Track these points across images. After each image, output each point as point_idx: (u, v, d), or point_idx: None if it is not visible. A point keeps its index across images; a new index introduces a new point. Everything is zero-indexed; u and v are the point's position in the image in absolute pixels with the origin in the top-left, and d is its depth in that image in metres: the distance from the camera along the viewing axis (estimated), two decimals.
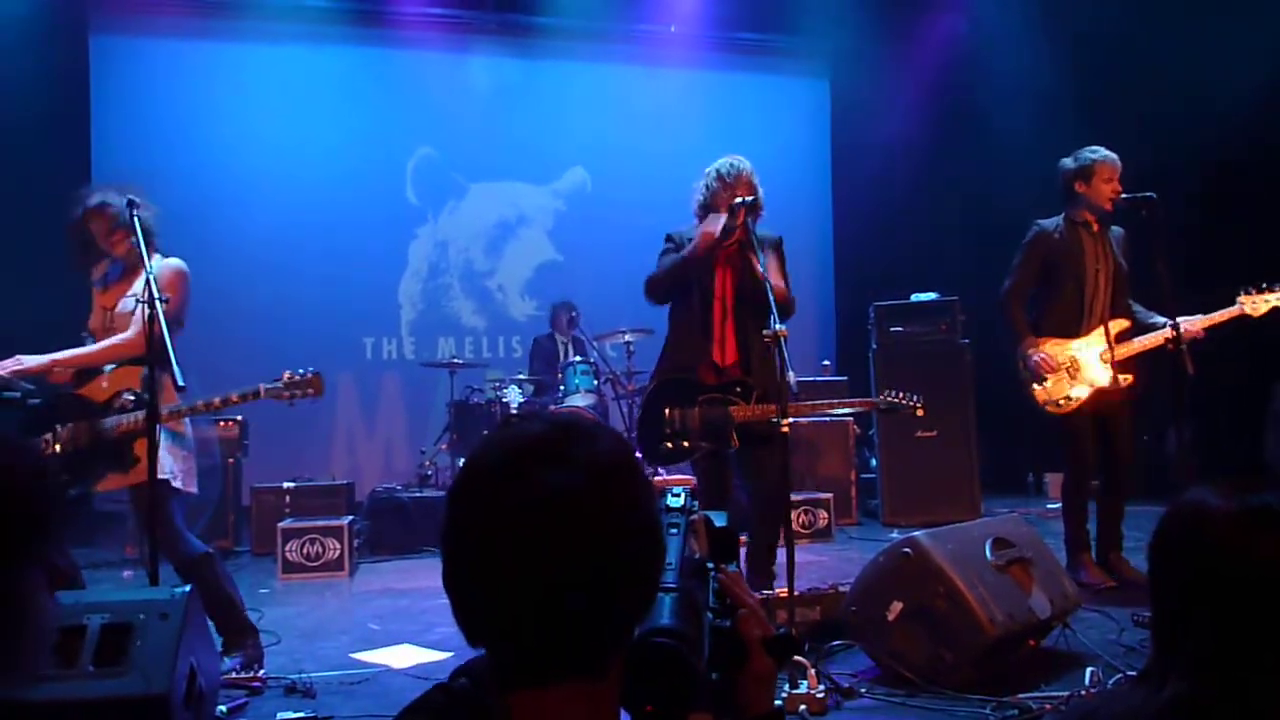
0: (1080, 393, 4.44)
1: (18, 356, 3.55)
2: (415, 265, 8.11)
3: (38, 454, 1.03)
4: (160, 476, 3.35)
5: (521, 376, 6.86)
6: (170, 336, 3.20)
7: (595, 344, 6.89)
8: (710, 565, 1.26)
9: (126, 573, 5.52)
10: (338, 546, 5.48)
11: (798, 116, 8.96)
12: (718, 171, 4.09)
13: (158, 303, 3.09)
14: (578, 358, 6.92)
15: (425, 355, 7.76)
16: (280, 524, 5.56)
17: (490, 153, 8.20)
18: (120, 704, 2.44)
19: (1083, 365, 4.45)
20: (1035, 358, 4.47)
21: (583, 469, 1.03)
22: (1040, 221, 4.63)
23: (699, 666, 1.11)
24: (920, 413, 4.26)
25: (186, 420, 3.52)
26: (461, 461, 6.59)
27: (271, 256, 7.29)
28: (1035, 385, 4.51)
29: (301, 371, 3.41)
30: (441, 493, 6.46)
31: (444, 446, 6.82)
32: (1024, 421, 5.42)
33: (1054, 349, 4.49)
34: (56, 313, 5.41)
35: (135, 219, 3.30)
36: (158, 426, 3.19)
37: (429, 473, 6.76)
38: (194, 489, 3.51)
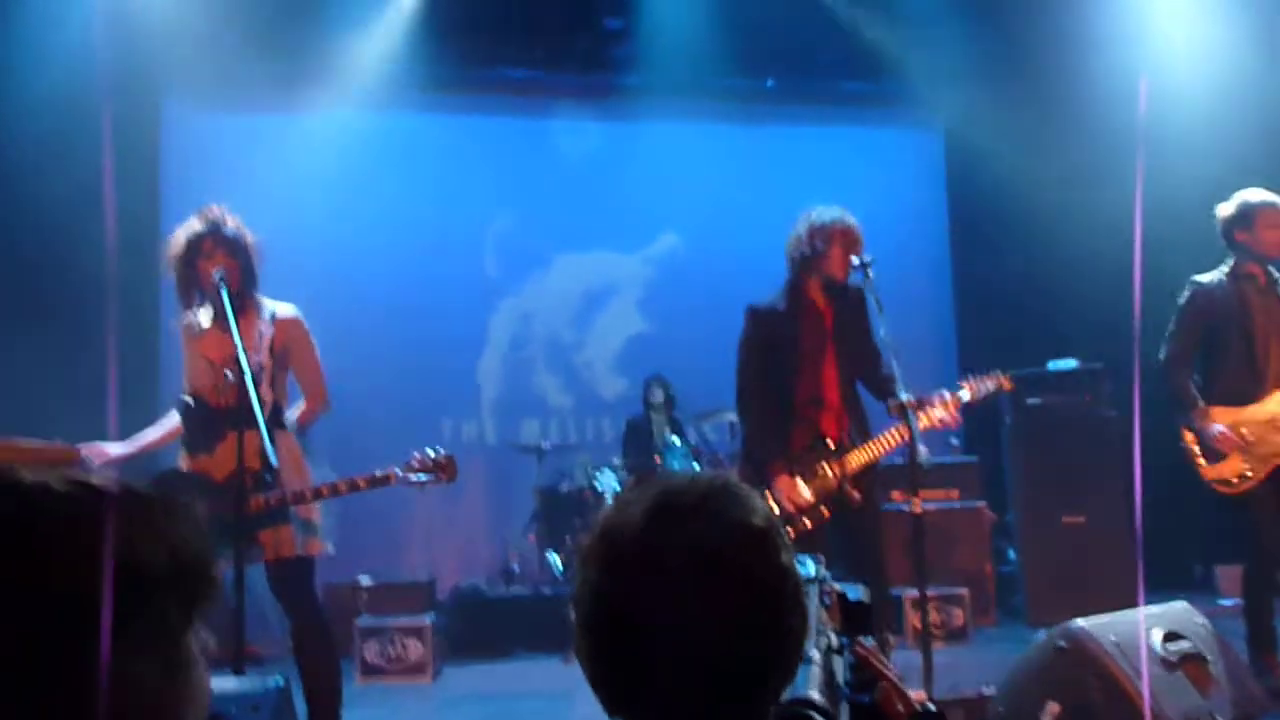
0: (1255, 468, 4.31)
1: (96, 444, 3.69)
2: (496, 340, 8.33)
3: (201, 516, 1.14)
4: (301, 554, 3.51)
5: (615, 461, 6.94)
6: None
7: (695, 424, 6.94)
8: (845, 638, 1.31)
9: None
10: (420, 647, 5.57)
11: (909, 170, 9.01)
12: (835, 229, 4.14)
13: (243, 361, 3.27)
14: (676, 439, 6.98)
15: (508, 437, 7.91)
16: (357, 622, 5.69)
17: (575, 220, 8.42)
18: None
19: (1257, 436, 4.32)
20: (1213, 431, 4.34)
21: (733, 532, 1.09)
22: (1198, 278, 4.55)
23: None
24: (1008, 386, 4.17)
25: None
26: (551, 554, 6.67)
27: (342, 331, 7.52)
28: (1202, 462, 4.39)
29: (433, 454, 3.51)
30: (529, 590, 6.54)
31: (531, 538, 6.90)
32: (1189, 505, 5.25)
33: (1222, 419, 4.38)
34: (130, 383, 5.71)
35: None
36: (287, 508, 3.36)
37: (515, 567, 6.84)
38: (329, 549, 3.66)
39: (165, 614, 0.95)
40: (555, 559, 6.68)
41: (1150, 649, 3.20)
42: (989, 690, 3.69)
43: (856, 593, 1.42)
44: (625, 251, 8.58)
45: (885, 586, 4.23)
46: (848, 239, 4.13)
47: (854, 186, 8.33)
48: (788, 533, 3.44)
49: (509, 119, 8.49)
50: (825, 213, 4.19)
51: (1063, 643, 3.16)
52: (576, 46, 8.01)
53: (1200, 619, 3.55)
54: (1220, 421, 4.37)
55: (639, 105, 8.36)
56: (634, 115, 8.46)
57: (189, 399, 3.63)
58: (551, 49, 7.94)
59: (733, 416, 6.62)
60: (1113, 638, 3.15)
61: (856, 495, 4.08)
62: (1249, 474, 4.32)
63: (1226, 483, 4.37)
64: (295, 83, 7.85)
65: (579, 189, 8.38)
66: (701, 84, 8.10)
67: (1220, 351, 4.46)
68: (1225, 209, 4.49)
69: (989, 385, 4.19)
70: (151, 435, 3.73)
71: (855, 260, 4.07)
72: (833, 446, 4.13)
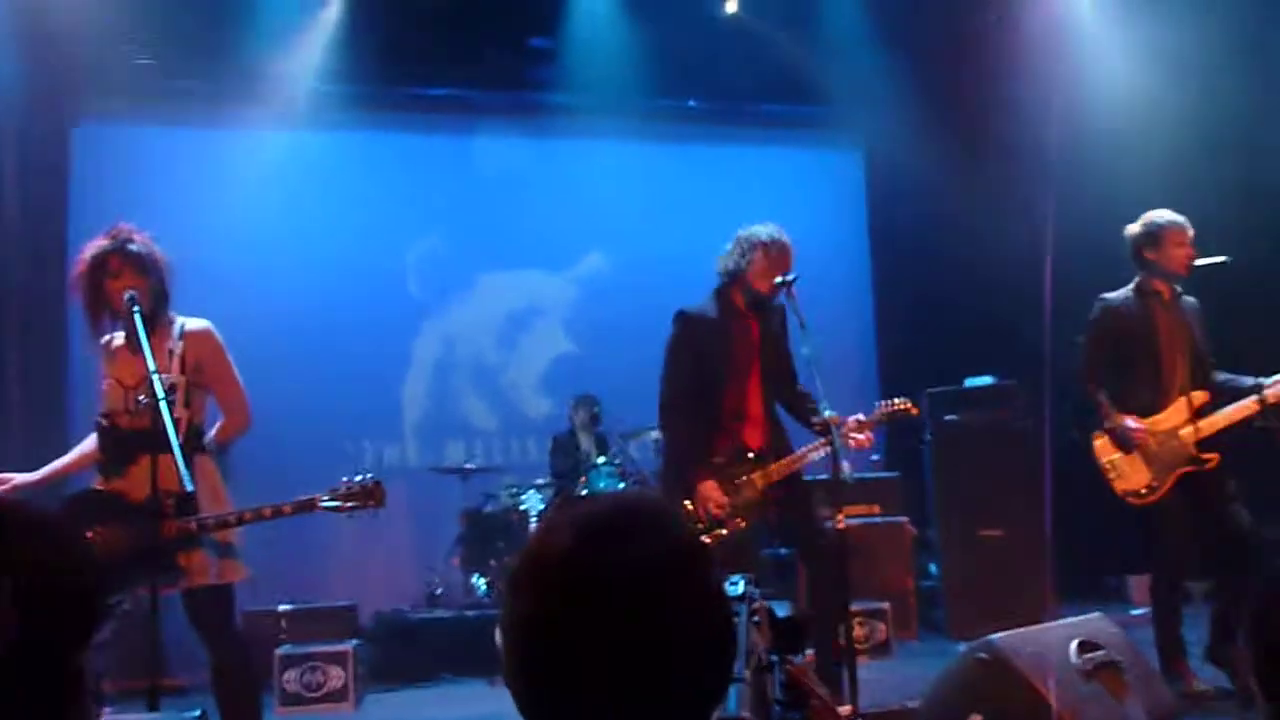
0: (1160, 478, 4.45)
1: (3, 475, 3.58)
2: (419, 363, 8.25)
3: (86, 543, 1.12)
4: (217, 582, 3.42)
5: (541, 481, 6.91)
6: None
7: (620, 442, 6.95)
8: (775, 656, 1.32)
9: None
10: (341, 674, 5.47)
11: (830, 190, 9.16)
12: (761, 241, 4.22)
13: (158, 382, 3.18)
14: (601, 459, 6.97)
15: (432, 460, 7.83)
16: (277, 650, 5.56)
17: (499, 240, 8.40)
18: None
19: (1163, 446, 4.46)
20: (1127, 425, 4.45)
21: (660, 554, 1.09)
22: (1106, 296, 4.70)
23: None
24: (914, 411, 4.26)
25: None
26: (476, 578, 6.61)
27: (261, 355, 7.36)
28: (1114, 476, 4.52)
29: (361, 480, 3.46)
30: (454, 614, 6.46)
31: (455, 561, 6.83)
32: (1100, 517, 5.40)
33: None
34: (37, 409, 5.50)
35: None
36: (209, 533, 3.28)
37: (439, 591, 6.76)
38: (245, 574, 3.56)
39: (49, 637, 0.94)
40: (480, 581, 6.62)
41: (1067, 660, 3.28)
42: (912, 704, 3.75)
43: (785, 610, 1.43)
44: (550, 271, 8.58)
45: (844, 600, 4.25)
46: (773, 254, 4.20)
47: (776, 207, 8.37)
48: (709, 540, 3.47)
49: (432, 137, 8.45)
50: (758, 228, 4.28)
51: (983, 655, 3.23)
52: (501, 65, 7.99)
53: (1114, 628, 3.65)
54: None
55: (563, 124, 8.38)
56: (558, 134, 8.48)
57: (103, 422, 3.52)
58: (476, 67, 7.92)
59: (657, 434, 6.64)
60: (1031, 650, 3.23)
61: (773, 510, 4.14)
62: (1155, 485, 4.46)
63: (1136, 494, 4.51)
64: (213, 99, 7.71)
65: (503, 209, 8.35)
66: (625, 104, 8.14)
67: (1127, 366, 4.61)
68: (1133, 228, 4.65)
69: (895, 408, 4.27)
70: (63, 461, 3.61)
71: (778, 278, 4.13)
72: (755, 457, 4.18)
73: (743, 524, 4.13)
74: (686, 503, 4.10)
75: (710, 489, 4.10)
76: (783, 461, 4.18)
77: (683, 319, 4.29)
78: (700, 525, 4.08)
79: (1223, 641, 4.43)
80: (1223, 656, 4.41)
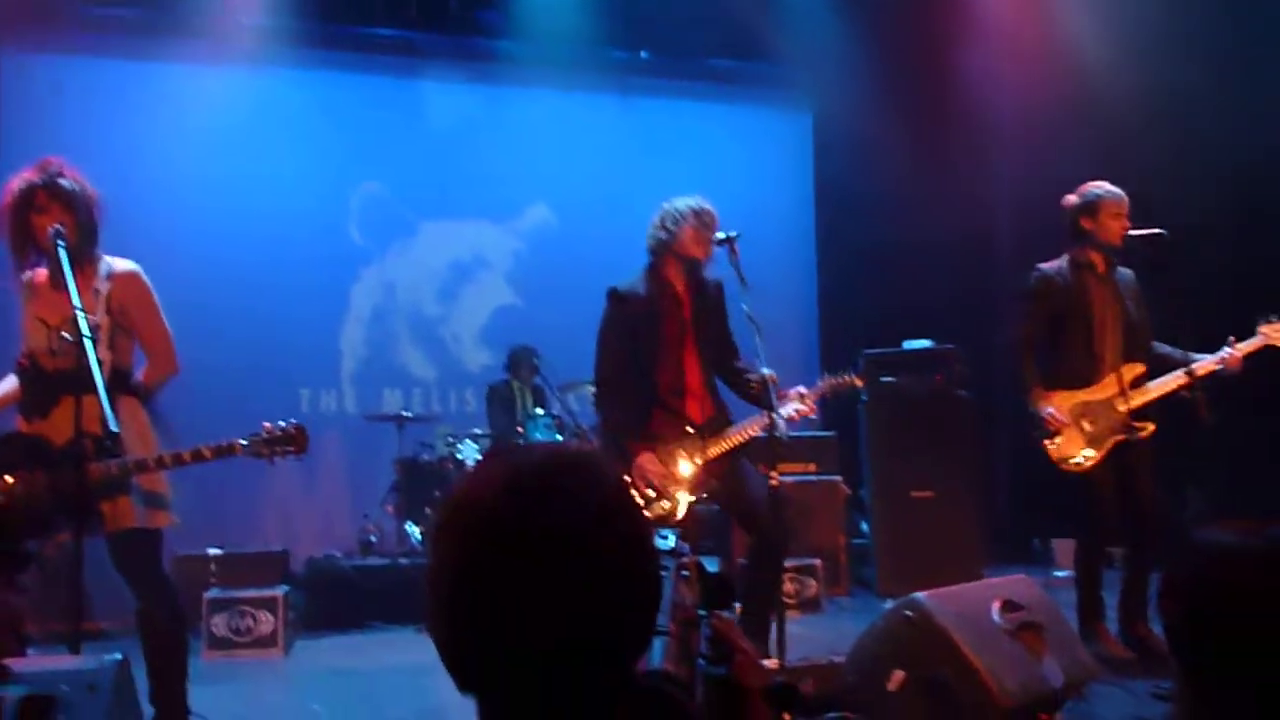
0: (1096, 447, 4.55)
1: None
2: (358, 310, 8.15)
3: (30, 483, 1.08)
4: (143, 526, 3.35)
5: (478, 432, 6.89)
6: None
7: (558, 394, 6.94)
8: (703, 611, 1.33)
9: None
10: (271, 620, 5.43)
11: (778, 150, 9.18)
12: (685, 212, 4.20)
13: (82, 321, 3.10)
14: (539, 410, 6.96)
15: (369, 408, 7.76)
16: (206, 594, 5.51)
17: (443, 188, 8.28)
18: None
19: (1096, 417, 4.56)
20: (1043, 412, 4.57)
21: (589, 507, 1.08)
22: (1041, 266, 4.77)
23: (692, 711, 1.17)
24: (859, 383, 4.31)
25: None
26: (410, 526, 6.59)
27: (197, 298, 7.21)
28: (1048, 443, 4.61)
29: (283, 424, 3.39)
30: (387, 562, 6.45)
31: (390, 509, 6.81)
32: (1028, 481, 5.53)
33: (1064, 401, 4.60)
34: None
35: None
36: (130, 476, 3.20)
37: (373, 538, 6.73)
38: (175, 522, 3.50)
39: None
40: (414, 530, 6.61)
41: (990, 619, 3.35)
42: (839, 658, 3.81)
43: (714, 565, 1.43)
44: (494, 221, 8.49)
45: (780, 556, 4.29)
46: (700, 219, 4.18)
47: (723, 163, 8.44)
48: (651, 516, 3.45)
49: (377, 78, 8.27)
50: (681, 200, 4.25)
51: (909, 613, 3.29)
52: (449, 7, 7.84)
53: (1037, 590, 3.74)
54: (1062, 404, 4.60)
55: (512, 72, 8.24)
56: (506, 81, 8.35)
57: (24, 361, 3.42)
58: (423, 8, 7.76)
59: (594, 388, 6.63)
60: (955, 609, 3.29)
61: (714, 481, 4.15)
62: (1090, 454, 4.55)
63: (1071, 462, 4.59)
64: (148, 30, 7.47)
65: (448, 156, 8.23)
66: (575, 52, 8.02)
67: (1062, 337, 4.69)
68: (1071, 199, 4.71)
69: (841, 382, 4.28)
70: None
71: (718, 236, 4.12)
72: (695, 431, 4.18)
73: (686, 499, 4.13)
74: (625, 477, 4.09)
75: (648, 460, 4.10)
76: (720, 441, 4.18)
77: (614, 297, 4.27)
78: (641, 500, 4.07)
79: (1133, 620, 4.58)
80: (1134, 633, 4.55)
